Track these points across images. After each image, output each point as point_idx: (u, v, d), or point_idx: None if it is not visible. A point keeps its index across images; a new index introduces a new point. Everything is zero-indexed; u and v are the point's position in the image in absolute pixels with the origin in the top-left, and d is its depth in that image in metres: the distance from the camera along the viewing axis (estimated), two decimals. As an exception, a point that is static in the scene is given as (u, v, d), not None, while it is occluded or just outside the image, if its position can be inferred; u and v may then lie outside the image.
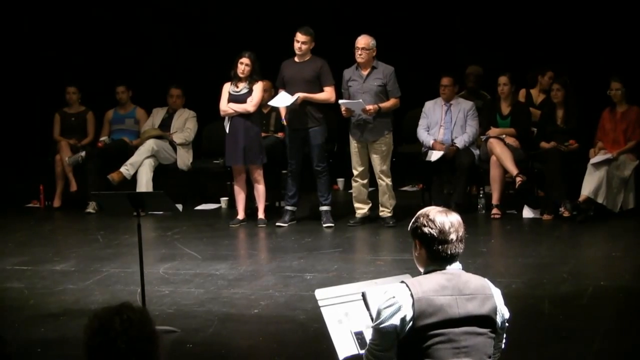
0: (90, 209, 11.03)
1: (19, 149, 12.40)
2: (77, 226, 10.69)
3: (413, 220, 3.86)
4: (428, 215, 3.81)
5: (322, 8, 12.33)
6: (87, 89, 12.01)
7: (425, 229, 3.78)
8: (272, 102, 10.04)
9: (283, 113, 10.13)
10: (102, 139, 11.63)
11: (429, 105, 10.41)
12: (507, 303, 3.86)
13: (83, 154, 11.39)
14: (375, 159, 9.82)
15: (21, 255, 9.03)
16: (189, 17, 12.80)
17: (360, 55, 9.65)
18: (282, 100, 9.82)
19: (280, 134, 10.81)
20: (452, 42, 11.99)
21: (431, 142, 10.15)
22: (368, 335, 3.86)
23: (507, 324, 3.84)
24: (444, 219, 3.79)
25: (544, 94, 11.01)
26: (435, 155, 10.07)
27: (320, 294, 4.11)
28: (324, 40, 10.15)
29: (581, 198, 9.69)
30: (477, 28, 12.10)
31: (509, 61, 11.08)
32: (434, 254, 3.78)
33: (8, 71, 12.86)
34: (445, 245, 3.77)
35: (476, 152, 10.29)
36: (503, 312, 3.80)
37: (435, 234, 3.76)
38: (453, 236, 3.77)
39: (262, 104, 10.14)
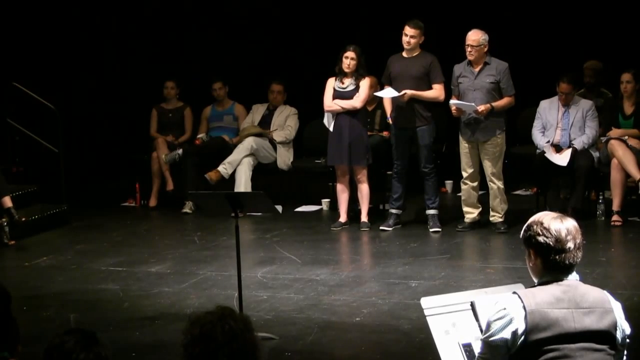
0: (187, 209, 11.17)
1: (115, 145, 12.57)
2: (174, 226, 10.87)
3: (525, 227, 3.81)
4: (542, 223, 3.74)
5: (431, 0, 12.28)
6: (185, 84, 12.15)
7: (540, 238, 3.72)
8: (378, 93, 10.04)
9: (389, 111, 10.10)
10: (199, 136, 11.77)
11: (544, 104, 10.28)
12: (629, 317, 3.81)
13: (180, 151, 11.52)
14: (487, 161, 9.75)
15: (116, 256, 9.23)
16: (289, 10, 12.85)
17: (470, 52, 9.58)
18: (388, 92, 9.82)
19: (385, 133, 10.79)
20: (570, 36, 11.79)
21: (545, 146, 10.00)
22: (477, 348, 3.84)
23: (628, 340, 3.78)
24: (559, 226, 3.73)
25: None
26: (557, 160, 9.92)
27: (427, 302, 4.10)
28: (433, 34, 10.11)
29: None
30: (596, 21, 11.89)
31: (633, 57, 10.86)
32: (551, 264, 3.73)
33: (105, 65, 13.07)
34: (563, 255, 3.71)
35: (596, 154, 10.14)
36: (624, 328, 3.75)
37: (551, 243, 3.71)
38: (570, 244, 3.71)
39: (367, 100, 10.14)
